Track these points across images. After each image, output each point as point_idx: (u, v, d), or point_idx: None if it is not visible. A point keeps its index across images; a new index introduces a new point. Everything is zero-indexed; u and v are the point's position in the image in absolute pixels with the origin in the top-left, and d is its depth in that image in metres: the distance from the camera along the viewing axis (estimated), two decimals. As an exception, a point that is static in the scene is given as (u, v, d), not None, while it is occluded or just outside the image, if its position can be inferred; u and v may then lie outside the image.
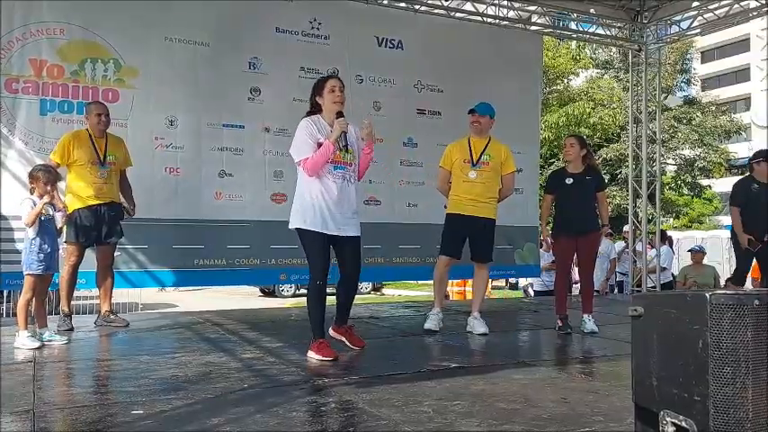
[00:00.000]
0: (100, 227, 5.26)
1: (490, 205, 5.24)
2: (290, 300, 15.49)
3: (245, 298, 15.78)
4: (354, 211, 4.18)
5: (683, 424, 1.50)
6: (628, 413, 2.63)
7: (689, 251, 9.93)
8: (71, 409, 2.95)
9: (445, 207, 5.38)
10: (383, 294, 18.27)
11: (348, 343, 4.24)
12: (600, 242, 5.61)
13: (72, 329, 5.12)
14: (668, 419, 1.54)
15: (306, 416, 2.88)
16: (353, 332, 4.32)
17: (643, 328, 1.71)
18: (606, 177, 22.98)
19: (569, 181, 5.46)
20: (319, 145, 4.00)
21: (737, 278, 6.53)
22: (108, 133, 5.41)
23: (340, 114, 4.06)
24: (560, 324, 5.36)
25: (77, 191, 5.18)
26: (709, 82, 40.29)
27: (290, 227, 4.11)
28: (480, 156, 5.19)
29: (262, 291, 17.51)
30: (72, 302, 5.42)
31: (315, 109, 4.19)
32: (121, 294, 11.50)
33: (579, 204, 5.39)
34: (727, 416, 1.41)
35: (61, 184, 4.96)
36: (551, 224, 5.81)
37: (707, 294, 1.47)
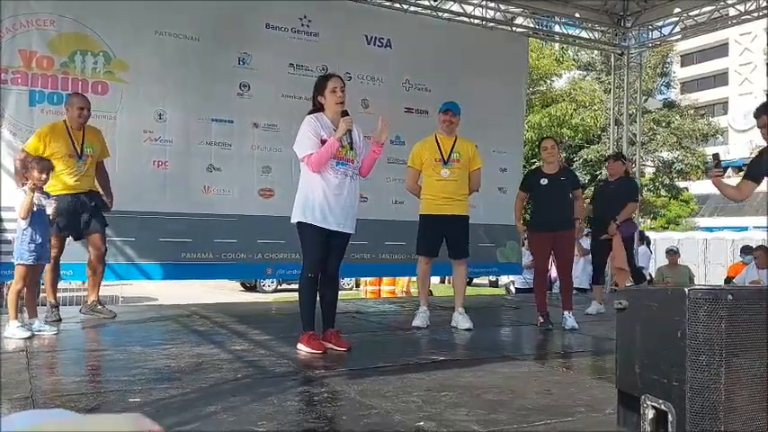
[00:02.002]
0: (79, 217, 5.23)
1: (463, 202, 5.34)
2: (272, 295, 15.54)
3: (226, 292, 15.79)
4: (355, 208, 4.26)
5: (662, 407, 1.63)
6: (608, 404, 2.77)
7: (666, 252, 10.17)
8: (69, 397, 3.01)
9: None
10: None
11: (335, 347, 4.20)
12: (575, 239, 5.75)
13: (60, 320, 5.15)
14: (648, 403, 1.67)
15: (300, 405, 2.97)
16: (340, 336, 4.30)
17: (627, 320, 1.84)
18: (586, 178, 23.27)
19: (544, 182, 5.59)
20: (323, 142, 4.09)
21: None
22: (85, 125, 5.35)
23: (345, 113, 4.17)
24: (542, 320, 5.50)
25: (55, 182, 5.15)
26: (689, 85, 40.87)
27: (291, 221, 4.19)
28: (450, 153, 5.28)
29: (243, 285, 17.51)
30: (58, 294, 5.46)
31: (317, 107, 4.27)
32: (102, 287, 11.55)
33: (554, 204, 5.53)
34: (701, 399, 1.54)
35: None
36: (526, 220, 5.99)
37: (686, 289, 1.60)
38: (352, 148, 4.22)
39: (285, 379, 3.45)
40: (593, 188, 22.67)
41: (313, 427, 2.65)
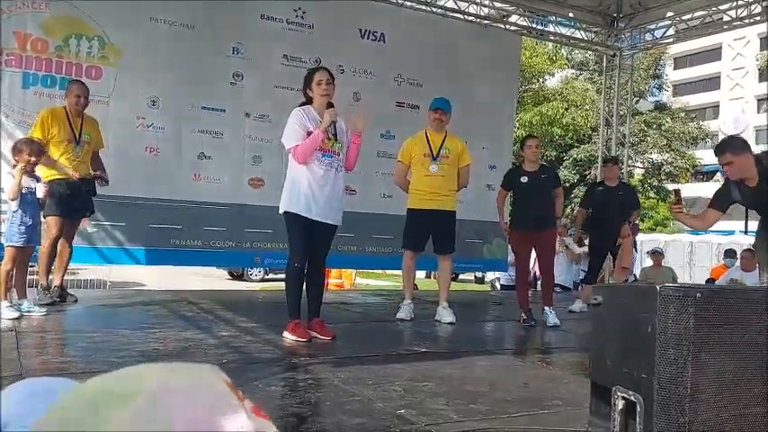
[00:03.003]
0: (76, 200, 5.28)
1: (451, 198, 5.40)
2: (260, 284, 15.57)
3: (213, 280, 15.80)
4: (340, 200, 4.32)
5: (632, 398, 1.71)
6: (585, 399, 2.84)
7: (649, 253, 10.30)
8: (60, 376, 3.05)
9: None
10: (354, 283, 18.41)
11: (319, 335, 4.27)
12: (556, 237, 5.85)
13: (53, 303, 5.16)
14: (619, 394, 1.75)
15: (285, 390, 3.04)
16: (325, 325, 4.36)
17: (602, 315, 1.92)
18: (576, 177, 23.44)
19: (524, 179, 5.66)
20: (309, 134, 4.15)
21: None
22: (84, 114, 5.41)
23: (330, 105, 4.23)
24: (524, 317, 5.57)
25: (55, 164, 5.19)
26: (681, 88, 41.15)
27: (279, 211, 4.25)
28: (439, 149, 5.34)
29: (230, 274, 17.53)
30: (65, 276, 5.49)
31: (307, 100, 4.33)
32: (89, 271, 11.56)
33: (535, 202, 5.58)
34: (668, 391, 1.62)
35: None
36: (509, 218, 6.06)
37: (657, 287, 1.68)
38: (337, 140, 4.27)
39: (270, 365, 3.51)
40: (584, 188, 22.71)
41: (296, 412, 2.72)
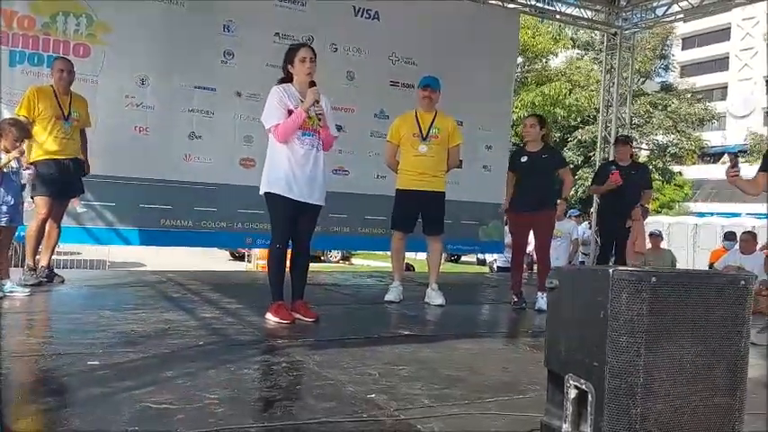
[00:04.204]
0: (65, 180, 5.25)
1: (440, 179, 5.30)
2: (262, 262, 15.55)
3: (214, 260, 15.82)
4: (322, 180, 4.23)
5: (584, 387, 1.64)
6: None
7: (648, 235, 10.20)
8: (29, 358, 3.03)
9: None
10: (352, 264, 18.44)
11: (303, 317, 4.23)
12: (554, 220, 5.73)
13: (40, 283, 5.14)
14: (571, 383, 1.69)
15: (256, 374, 3.00)
16: (308, 306, 4.32)
17: (557, 300, 1.85)
18: (580, 159, 23.24)
19: (524, 159, 5.56)
20: (290, 112, 4.06)
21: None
22: (72, 91, 5.36)
23: (313, 84, 4.12)
24: (515, 300, 5.52)
25: (43, 144, 5.16)
26: (688, 69, 40.68)
27: (260, 192, 4.19)
28: (429, 129, 5.23)
29: (232, 254, 17.56)
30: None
31: (286, 76, 4.22)
32: (89, 251, 11.57)
33: (533, 183, 5.46)
34: (620, 380, 1.56)
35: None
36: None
37: (610, 270, 1.61)
38: (319, 120, 4.18)
39: (247, 347, 3.47)
40: (588, 170, 22.51)
41: (265, 396, 2.68)
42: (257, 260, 10.46)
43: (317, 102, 4.12)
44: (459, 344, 3.89)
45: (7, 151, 4.50)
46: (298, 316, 4.20)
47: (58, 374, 2.77)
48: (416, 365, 3.25)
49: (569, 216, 9.72)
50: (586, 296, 1.66)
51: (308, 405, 2.53)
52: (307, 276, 4.46)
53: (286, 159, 4.06)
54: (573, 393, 1.67)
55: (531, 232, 5.73)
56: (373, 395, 2.69)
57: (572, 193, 19.30)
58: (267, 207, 4.18)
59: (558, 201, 5.80)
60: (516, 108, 18.20)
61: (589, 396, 1.60)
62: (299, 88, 4.16)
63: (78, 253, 11.82)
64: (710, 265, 10.40)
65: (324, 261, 17.54)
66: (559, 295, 1.82)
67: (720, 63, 41.14)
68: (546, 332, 1.95)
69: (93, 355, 3.09)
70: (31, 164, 4.95)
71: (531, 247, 6.47)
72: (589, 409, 1.59)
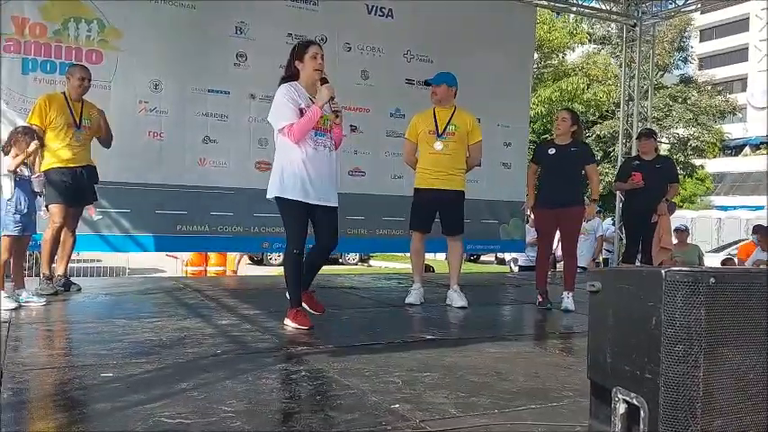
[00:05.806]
0: (78, 188, 5.18)
1: (458, 177, 5.12)
2: (278, 268, 15.48)
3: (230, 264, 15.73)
4: (336, 180, 4.11)
5: (635, 401, 1.49)
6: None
7: (674, 230, 9.95)
8: (40, 371, 2.94)
9: None
10: (370, 266, 18.32)
11: (308, 308, 4.12)
12: (583, 217, 5.53)
13: (56, 293, 5.06)
14: (620, 396, 1.53)
15: (275, 383, 2.88)
16: (314, 297, 4.23)
17: (599, 304, 1.69)
18: (599, 155, 22.94)
19: (552, 151, 5.37)
20: (301, 111, 3.93)
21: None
22: (84, 99, 5.27)
23: (325, 80, 3.98)
24: (540, 299, 5.35)
25: (55, 152, 5.09)
26: (707, 61, 40.12)
27: (267, 196, 4.05)
28: (446, 126, 5.06)
29: (250, 258, 17.50)
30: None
31: (291, 74, 4.08)
32: (109, 258, 11.55)
33: (561, 176, 5.28)
34: (677, 394, 1.40)
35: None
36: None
37: (662, 271, 1.45)
38: (337, 116, 4.05)
39: (265, 355, 3.35)
40: (608, 165, 22.30)
41: (283, 408, 2.56)
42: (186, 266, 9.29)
43: (333, 98, 3.98)
44: (485, 348, 3.74)
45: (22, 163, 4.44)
46: (304, 306, 4.08)
47: (71, 388, 2.68)
48: (441, 372, 3.11)
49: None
50: (634, 300, 1.50)
51: (328, 417, 2.40)
52: (317, 270, 4.31)
53: (300, 161, 3.91)
54: (622, 408, 1.51)
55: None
56: (397, 405, 2.56)
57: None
58: (280, 211, 4.04)
59: (588, 202, 5.64)
60: (533, 104, 17.97)
61: (641, 411, 1.44)
62: (306, 86, 4.02)
63: (99, 260, 11.81)
64: (740, 262, 10.14)
65: (342, 263, 17.43)
66: (602, 299, 1.66)
67: (740, 54, 40.49)
68: (588, 340, 1.78)
69: (106, 366, 3.00)
70: (43, 172, 4.88)
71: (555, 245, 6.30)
72: (642, 426, 1.43)
